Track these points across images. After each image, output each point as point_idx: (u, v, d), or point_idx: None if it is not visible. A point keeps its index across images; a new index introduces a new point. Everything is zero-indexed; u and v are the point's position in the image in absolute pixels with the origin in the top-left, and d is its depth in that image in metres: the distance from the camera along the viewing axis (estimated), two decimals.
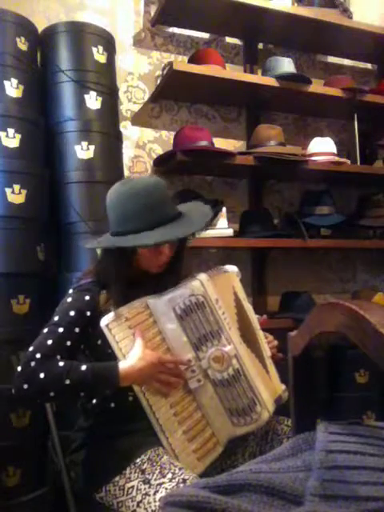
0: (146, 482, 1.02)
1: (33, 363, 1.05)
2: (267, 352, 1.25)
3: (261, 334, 1.26)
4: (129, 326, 1.09)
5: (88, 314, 1.14)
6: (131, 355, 1.07)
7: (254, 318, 1.26)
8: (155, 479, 1.01)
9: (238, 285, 1.26)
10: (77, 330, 1.12)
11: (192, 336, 1.11)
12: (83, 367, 1.05)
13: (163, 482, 1.00)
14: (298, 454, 0.58)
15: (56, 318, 1.14)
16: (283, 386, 1.23)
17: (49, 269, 1.71)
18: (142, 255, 1.18)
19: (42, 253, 1.66)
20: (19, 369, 1.05)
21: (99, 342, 1.13)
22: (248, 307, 1.26)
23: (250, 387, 1.11)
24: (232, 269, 1.27)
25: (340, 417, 0.60)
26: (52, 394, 1.03)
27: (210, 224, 1.23)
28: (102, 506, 1.11)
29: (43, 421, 1.30)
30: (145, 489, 1.01)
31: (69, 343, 1.10)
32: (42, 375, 1.03)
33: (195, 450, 1.08)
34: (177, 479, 1.00)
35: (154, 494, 1.00)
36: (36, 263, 1.63)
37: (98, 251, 1.66)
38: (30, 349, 1.08)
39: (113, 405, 1.17)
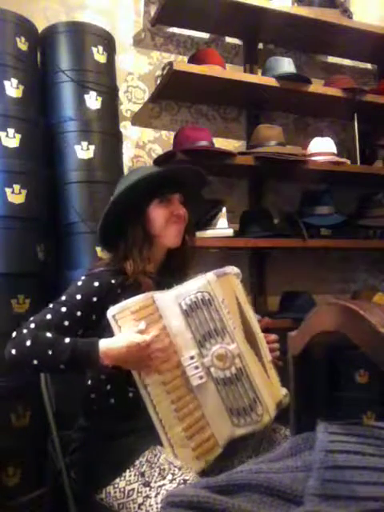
0: (147, 484, 1.02)
1: (25, 331, 1.10)
2: (268, 356, 1.24)
3: (262, 338, 1.26)
4: (134, 319, 1.10)
5: (94, 299, 1.17)
6: (119, 335, 1.09)
7: (254, 322, 1.26)
8: (155, 481, 1.01)
9: (238, 287, 1.26)
10: (78, 313, 1.15)
11: (196, 332, 1.11)
12: (67, 340, 1.08)
13: (164, 484, 1.00)
14: (297, 454, 0.58)
15: (62, 298, 1.18)
16: (284, 391, 1.22)
17: (49, 269, 1.71)
18: (155, 215, 1.26)
19: (42, 253, 1.66)
20: (13, 335, 1.10)
21: (105, 330, 1.14)
22: (249, 310, 1.26)
23: (252, 388, 1.11)
24: (233, 270, 1.28)
25: (340, 417, 0.60)
26: (35, 362, 1.07)
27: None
28: (102, 507, 1.11)
29: (43, 421, 1.30)
30: (146, 491, 1.01)
31: (66, 323, 1.13)
32: (28, 343, 1.07)
33: (194, 447, 1.07)
34: (177, 480, 0.99)
35: (155, 496, 0.99)
36: (36, 263, 1.63)
37: (98, 251, 1.68)
38: (29, 320, 1.13)
39: (112, 401, 1.18)
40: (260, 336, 1.25)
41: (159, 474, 1.02)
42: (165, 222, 1.26)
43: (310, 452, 0.57)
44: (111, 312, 1.10)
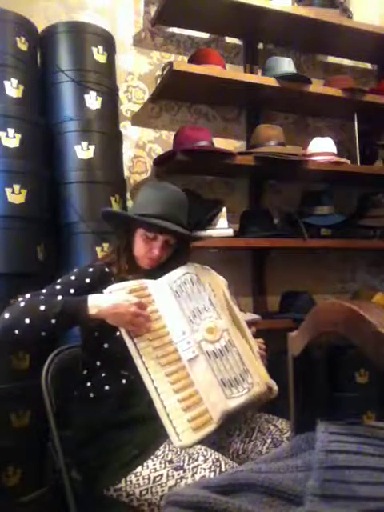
0: (179, 468, 1.04)
1: (20, 299, 1.19)
2: (255, 347, 1.26)
3: (249, 333, 1.28)
4: None
5: (87, 281, 1.25)
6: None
7: (242, 319, 1.28)
8: (188, 464, 1.04)
9: (225, 289, 1.30)
10: (71, 290, 1.23)
11: (186, 309, 1.19)
12: (59, 297, 1.17)
13: (198, 465, 1.03)
14: (298, 453, 0.58)
15: (58, 281, 1.27)
16: (272, 381, 1.23)
17: (49, 269, 1.71)
18: (138, 242, 1.30)
19: (42, 253, 1.66)
20: (10, 306, 1.19)
21: None
22: (236, 310, 1.29)
23: (242, 360, 1.16)
24: (221, 277, 1.34)
25: (340, 417, 0.60)
26: (27, 320, 1.12)
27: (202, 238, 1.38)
28: (108, 502, 1.11)
29: (43, 421, 1.30)
30: (179, 474, 1.03)
31: (59, 298, 1.17)
32: (22, 304, 1.16)
33: (190, 419, 1.08)
34: (211, 459, 1.03)
35: (192, 475, 1.02)
36: (36, 263, 1.63)
37: (98, 251, 1.68)
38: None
39: (107, 387, 1.20)
40: (247, 330, 1.28)
41: (189, 457, 1.05)
42: (142, 254, 1.31)
43: (310, 452, 0.57)
44: (108, 289, 1.18)
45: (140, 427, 1.14)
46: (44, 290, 1.23)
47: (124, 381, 1.20)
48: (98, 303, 1.13)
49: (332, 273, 2.51)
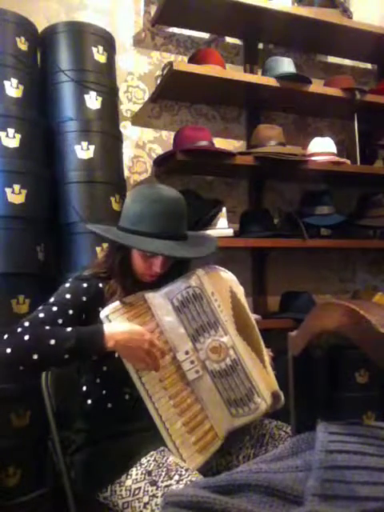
0: (153, 483, 1.01)
1: (19, 329, 1.05)
2: (266, 354, 1.25)
3: (259, 335, 1.27)
4: (127, 319, 1.12)
5: (84, 299, 1.17)
6: (120, 322, 1.09)
7: (254, 323, 1.27)
8: (162, 481, 1.01)
9: (236, 288, 1.27)
10: (70, 311, 1.13)
11: (189, 327, 1.13)
12: (68, 329, 1.05)
13: (170, 484, 0.99)
14: (298, 453, 0.58)
15: (51, 300, 1.16)
16: (281, 392, 1.22)
17: (49, 269, 1.71)
18: (136, 258, 1.20)
19: (42, 253, 1.66)
20: (5, 336, 1.04)
21: None
22: (249, 313, 1.27)
23: (248, 377, 1.13)
24: (231, 276, 1.29)
25: (340, 417, 0.60)
26: (35, 356, 1.01)
27: (209, 255, 1.22)
28: (103, 507, 1.10)
29: (43, 421, 1.30)
30: (152, 491, 1.01)
31: (60, 321, 1.11)
32: (26, 337, 1.02)
33: (195, 441, 1.07)
34: (184, 481, 0.99)
35: (162, 496, 0.99)
36: (36, 263, 1.63)
37: (98, 251, 1.68)
38: (21, 321, 1.09)
39: (110, 405, 1.18)
40: (259, 336, 1.26)
41: (166, 474, 1.02)
42: (141, 271, 1.22)
43: (310, 452, 0.57)
44: (104, 313, 1.11)
45: (140, 437, 1.12)
46: (41, 315, 1.10)
47: (127, 396, 1.17)
48: (113, 334, 1.04)
49: (332, 273, 2.51)
